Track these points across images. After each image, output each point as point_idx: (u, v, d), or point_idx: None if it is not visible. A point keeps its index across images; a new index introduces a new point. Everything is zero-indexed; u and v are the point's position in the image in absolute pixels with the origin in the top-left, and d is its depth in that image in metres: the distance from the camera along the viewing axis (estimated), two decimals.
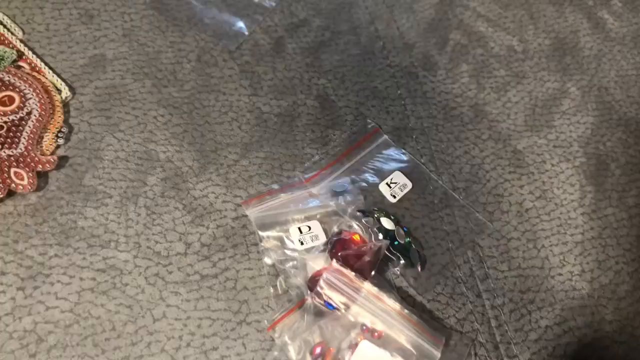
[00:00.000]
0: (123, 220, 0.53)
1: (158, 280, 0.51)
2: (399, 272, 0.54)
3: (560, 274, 0.56)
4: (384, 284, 0.52)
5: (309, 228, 0.53)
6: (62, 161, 0.55)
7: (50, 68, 0.58)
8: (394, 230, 0.55)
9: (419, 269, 0.54)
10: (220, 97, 0.60)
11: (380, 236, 0.54)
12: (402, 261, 0.54)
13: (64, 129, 0.56)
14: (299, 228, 0.53)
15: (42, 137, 0.55)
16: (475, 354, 0.52)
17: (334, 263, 0.51)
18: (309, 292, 0.50)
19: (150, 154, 0.56)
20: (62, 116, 0.56)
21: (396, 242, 0.54)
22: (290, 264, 0.52)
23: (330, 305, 0.49)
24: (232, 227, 0.54)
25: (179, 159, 0.56)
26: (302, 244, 0.53)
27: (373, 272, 0.52)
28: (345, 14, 0.69)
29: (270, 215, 0.54)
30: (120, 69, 0.60)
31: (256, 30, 0.64)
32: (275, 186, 0.56)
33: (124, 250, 0.52)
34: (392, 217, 0.56)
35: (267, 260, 0.53)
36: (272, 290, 0.52)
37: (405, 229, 0.56)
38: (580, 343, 0.54)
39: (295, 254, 0.52)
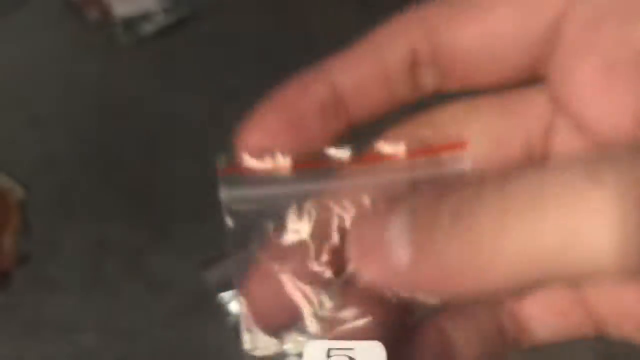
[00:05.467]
0: (87, 304, 0.55)
1: (128, 357, 0.52)
2: None
3: None
4: None
5: None
6: (24, 258, 0.57)
7: (3, 172, 0.61)
8: None
9: None
10: (167, 173, 0.63)
11: None
12: None
13: (22, 228, 0.58)
14: None
15: (2, 239, 0.57)
16: None
17: None
18: None
19: (106, 238, 0.58)
20: (18, 216, 0.59)
21: None
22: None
23: None
24: (193, 293, 0.56)
25: (134, 237, 0.59)
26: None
27: None
28: (279, 79, 0.72)
29: (227, 274, 0.56)
30: (69, 163, 0.63)
31: (195, 102, 0.68)
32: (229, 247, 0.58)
33: (91, 332, 0.53)
34: None
35: (232, 319, 0.54)
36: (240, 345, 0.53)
37: None
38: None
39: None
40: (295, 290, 0.21)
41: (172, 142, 0.65)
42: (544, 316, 0.21)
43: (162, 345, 0.53)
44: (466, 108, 0.22)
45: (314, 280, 0.21)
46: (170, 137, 0.66)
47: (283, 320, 0.21)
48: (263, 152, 0.21)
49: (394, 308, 0.19)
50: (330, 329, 0.21)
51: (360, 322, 0.21)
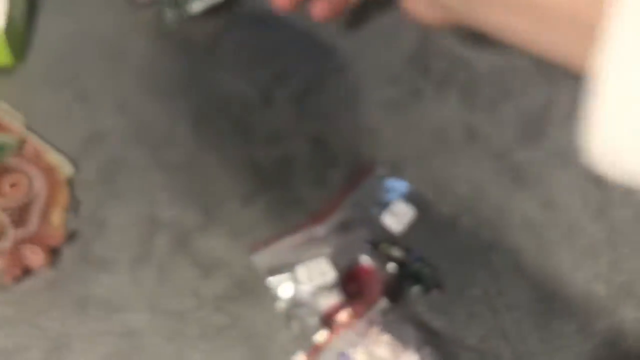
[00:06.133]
0: (135, 283, 0.54)
1: (176, 337, 0.52)
2: (414, 299, 0.54)
3: (574, 280, 0.56)
4: (399, 314, 0.53)
5: (317, 266, 0.54)
6: (72, 234, 0.57)
7: (53, 148, 0.61)
8: (403, 258, 0.55)
9: (434, 292, 0.55)
10: (217, 153, 0.62)
11: (391, 265, 0.55)
12: (416, 287, 0.54)
13: (71, 204, 0.58)
14: (307, 267, 0.54)
15: (51, 214, 0.57)
16: None
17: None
18: (324, 329, 0.51)
19: (155, 216, 0.58)
20: (67, 192, 0.58)
21: (407, 269, 0.55)
22: (303, 304, 0.53)
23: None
24: (242, 275, 0.55)
25: (183, 217, 0.58)
26: (310, 281, 0.53)
27: (387, 301, 0.52)
28: (327, 58, 0.71)
29: (277, 259, 0.55)
30: (118, 140, 0.62)
31: (244, 85, 0.67)
32: (280, 230, 0.57)
33: (140, 312, 0.53)
34: (400, 246, 0.56)
35: (280, 304, 0.53)
36: (289, 333, 0.52)
37: (414, 255, 0.56)
38: (604, 345, 0.53)
39: (306, 294, 0.53)
40: None
41: (221, 123, 0.64)
42: None
43: (210, 328, 0.52)
44: None
45: None
46: (218, 117, 0.65)
47: None
48: None
49: None
50: None
51: None
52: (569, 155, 0.64)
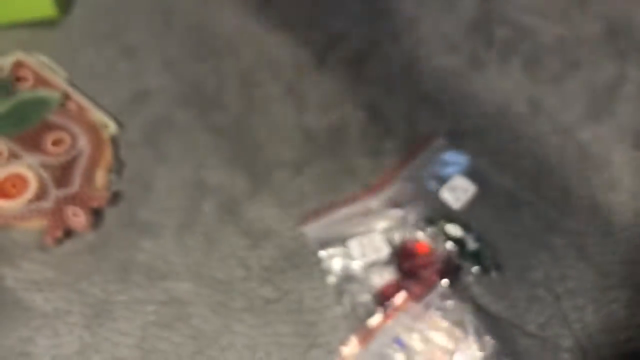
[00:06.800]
0: (181, 250, 0.52)
1: (222, 309, 0.49)
2: (472, 280, 0.51)
3: None
4: (456, 296, 0.50)
5: (370, 240, 0.51)
6: (116, 196, 0.54)
7: (97, 105, 0.58)
8: (462, 237, 0.52)
9: (493, 274, 0.52)
10: (267, 117, 0.59)
11: (449, 244, 0.52)
12: (475, 268, 0.51)
13: (115, 165, 0.56)
14: (360, 242, 0.51)
15: (95, 174, 0.55)
16: None
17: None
18: (377, 308, 0.48)
19: (202, 181, 0.55)
20: (111, 152, 0.56)
21: (466, 249, 0.52)
22: (355, 280, 0.50)
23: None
24: (291, 247, 0.52)
25: (231, 183, 0.55)
26: (364, 257, 0.51)
27: (445, 282, 0.49)
28: (384, 21, 0.67)
29: (329, 231, 0.52)
30: (164, 100, 0.60)
31: (297, 47, 0.64)
32: (332, 201, 0.54)
33: (184, 281, 0.51)
34: (459, 223, 0.53)
35: (331, 279, 0.51)
36: (339, 309, 0.50)
37: (474, 234, 0.53)
38: None
39: (359, 270, 0.50)
40: None
41: (271, 86, 0.61)
42: None
43: (257, 301, 0.50)
44: None
45: None
46: (268, 80, 0.62)
47: None
48: None
49: None
50: None
51: None
52: (638, 135, 0.60)
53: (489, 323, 0.49)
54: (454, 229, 0.52)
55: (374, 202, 0.54)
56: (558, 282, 0.52)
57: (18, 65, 0.61)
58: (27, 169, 0.55)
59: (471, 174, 0.56)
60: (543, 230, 0.54)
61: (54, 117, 0.57)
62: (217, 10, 0.65)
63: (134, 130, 0.58)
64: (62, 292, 0.50)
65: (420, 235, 0.52)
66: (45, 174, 0.54)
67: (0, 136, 0.56)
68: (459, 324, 0.47)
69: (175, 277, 0.51)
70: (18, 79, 0.60)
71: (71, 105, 0.58)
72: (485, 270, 0.51)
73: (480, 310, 0.50)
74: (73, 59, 0.61)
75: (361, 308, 0.49)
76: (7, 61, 0.61)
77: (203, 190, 0.55)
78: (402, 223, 0.53)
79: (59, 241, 0.52)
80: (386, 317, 0.47)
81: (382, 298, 0.49)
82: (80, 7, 0.63)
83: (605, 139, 0.60)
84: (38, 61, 0.61)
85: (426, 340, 0.46)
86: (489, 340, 0.47)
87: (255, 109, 0.60)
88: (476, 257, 0.52)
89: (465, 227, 0.53)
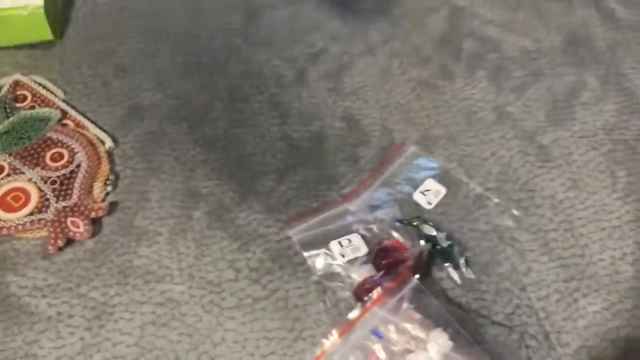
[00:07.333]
0: (175, 255, 0.56)
1: (214, 308, 0.53)
2: (443, 275, 0.56)
3: (601, 260, 0.57)
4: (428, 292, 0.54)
5: (349, 241, 0.56)
6: (113, 206, 0.58)
7: (93, 122, 0.62)
8: (434, 235, 0.56)
9: (463, 270, 0.56)
10: (252, 129, 0.64)
11: (422, 242, 0.56)
12: (446, 264, 0.56)
13: (111, 177, 0.59)
14: (339, 242, 0.55)
15: (92, 187, 0.58)
16: (527, 347, 0.53)
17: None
18: (357, 302, 0.52)
19: (193, 190, 0.59)
20: (108, 165, 0.60)
21: (438, 247, 0.56)
22: (336, 278, 0.54)
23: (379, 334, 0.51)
24: (277, 249, 0.56)
25: (220, 191, 0.59)
26: (343, 257, 0.55)
27: (417, 277, 0.53)
28: (360, 37, 0.72)
29: (311, 234, 0.56)
30: (156, 115, 0.63)
31: (280, 62, 0.68)
32: (314, 206, 0.59)
33: (178, 283, 0.54)
34: (431, 223, 0.57)
35: (314, 277, 0.55)
36: (322, 305, 0.54)
37: (445, 233, 0.57)
38: (630, 325, 0.54)
39: (339, 268, 0.54)
40: None
41: (256, 100, 0.65)
42: None
43: (246, 300, 0.54)
44: None
45: None
46: (254, 94, 0.66)
47: None
48: None
49: None
50: None
51: None
52: (597, 138, 0.65)
53: (459, 314, 0.53)
54: (426, 229, 0.57)
55: (352, 206, 0.58)
56: (524, 275, 0.56)
57: (16, 85, 0.64)
58: (28, 183, 0.58)
59: (442, 177, 0.61)
60: (509, 227, 0.58)
61: (53, 134, 0.61)
62: (205, 29, 0.69)
63: (128, 144, 0.62)
64: (64, 297, 0.54)
65: (396, 235, 0.56)
66: (45, 188, 0.58)
67: (2, 153, 0.60)
68: (431, 315, 0.52)
69: (170, 279, 0.55)
70: (17, 99, 0.63)
71: (69, 123, 0.62)
72: (455, 266, 0.56)
73: (451, 303, 0.54)
74: (70, 79, 0.65)
75: (342, 303, 0.53)
76: (6, 81, 0.64)
77: (194, 199, 0.59)
78: (378, 224, 0.57)
79: (60, 250, 0.56)
80: (364, 310, 0.51)
81: (361, 293, 0.53)
82: (75, 28, 0.67)
83: (566, 142, 0.64)
84: (36, 81, 0.65)
85: (401, 331, 0.50)
86: (459, 330, 0.51)
87: (242, 122, 0.64)
88: (447, 254, 0.56)
89: (437, 226, 0.57)
